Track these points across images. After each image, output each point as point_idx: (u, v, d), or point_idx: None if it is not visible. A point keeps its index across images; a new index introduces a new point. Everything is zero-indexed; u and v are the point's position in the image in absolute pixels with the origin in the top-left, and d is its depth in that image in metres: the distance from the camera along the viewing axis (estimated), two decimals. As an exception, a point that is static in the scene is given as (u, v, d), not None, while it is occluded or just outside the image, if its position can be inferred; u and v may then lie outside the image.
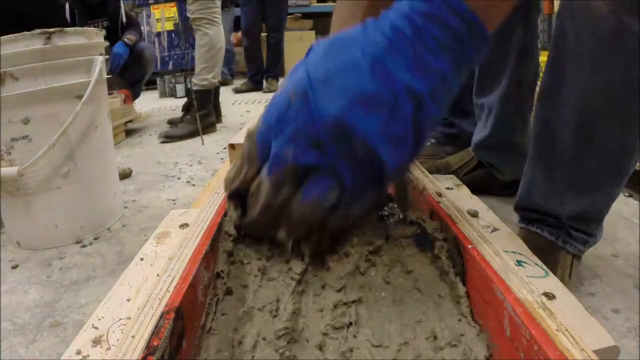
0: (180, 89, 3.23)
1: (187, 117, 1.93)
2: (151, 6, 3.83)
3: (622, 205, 0.97)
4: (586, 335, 0.27)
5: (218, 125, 2.03)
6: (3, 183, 0.84)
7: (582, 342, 0.25)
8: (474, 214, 0.53)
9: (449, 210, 0.42)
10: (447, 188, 0.62)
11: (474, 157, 1.02)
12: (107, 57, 1.18)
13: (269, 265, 0.39)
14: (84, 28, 0.92)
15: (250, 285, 0.37)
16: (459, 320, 0.33)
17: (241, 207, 0.39)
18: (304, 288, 0.36)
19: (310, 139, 0.32)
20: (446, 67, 0.32)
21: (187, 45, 3.63)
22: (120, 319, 0.36)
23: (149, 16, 3.82)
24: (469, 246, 0.36)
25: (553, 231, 0.63)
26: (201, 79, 1.87)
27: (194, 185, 1.26)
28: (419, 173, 0.54)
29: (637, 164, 0.97)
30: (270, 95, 3.15)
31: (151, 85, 3.49)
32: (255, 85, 3.43)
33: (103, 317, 0.36)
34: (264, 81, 3.48)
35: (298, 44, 4.13)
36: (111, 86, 1.89)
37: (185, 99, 2.01)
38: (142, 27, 3.14)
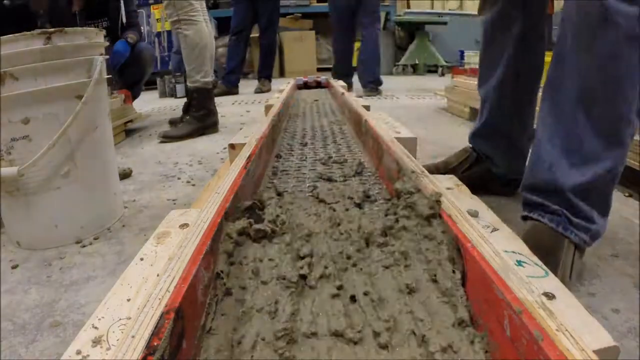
0: (180, 89, 3.23)
1: (187, 117, 1.93)
2: (151, 6, 3.84)
3: (622, 205, 0.97)
4: (586, 335, 0.27)
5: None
6: (3, 183, 0.84)
7: (582, 342, 0.25)
8: (474, 214, 0.53)
9: (449, 211, 0.42)
10: (447, 188, 0.62)
11: (471, 154, 1.03)
12: (107, 57, 1.18)
13: (268, 266, 0.39)
14: (84, 28, 0.92)
15: (249, 286, 0.37)
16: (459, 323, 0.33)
17: None
18: (303, 289, 0.36)
19: None
20: None
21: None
22: (120, 319, 0.35)
23: (149, 16, 3.83)
24: (469, 246, 0.36)
25: (554, 218, 0.64)
26: (192, 80, 1.87)
27: (194, 185, 1.26)
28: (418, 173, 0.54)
29: (637, 164, 0.98)
30: (267, 95, 3.14)
31: (151, 85, 3.49)
32: (228, 87, 3.29)
33: (103, 317, 0.36)
34: (257, 81, 3.47)
35: (298, 44, 4.14)
36: (111, 86, 1.89)
37: (185, 99, 2.01)
38: (142, 27, 3.15)
